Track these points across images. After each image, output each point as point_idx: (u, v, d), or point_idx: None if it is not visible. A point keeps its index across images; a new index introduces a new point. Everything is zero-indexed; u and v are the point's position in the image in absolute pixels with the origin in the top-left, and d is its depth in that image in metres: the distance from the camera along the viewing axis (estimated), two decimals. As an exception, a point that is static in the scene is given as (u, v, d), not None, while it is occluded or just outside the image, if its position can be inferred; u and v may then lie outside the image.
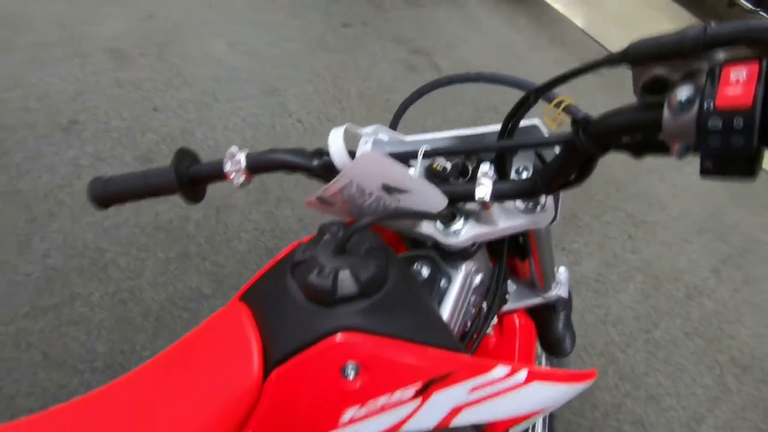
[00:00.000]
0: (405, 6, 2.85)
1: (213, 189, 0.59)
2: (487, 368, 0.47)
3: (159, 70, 2.00)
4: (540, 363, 0.93)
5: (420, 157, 0.48)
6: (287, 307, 0.44)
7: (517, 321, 0.76)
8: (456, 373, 0.46)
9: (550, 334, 0.79)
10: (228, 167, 0.52)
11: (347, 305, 0.42)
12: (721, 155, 0.30)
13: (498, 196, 0.48)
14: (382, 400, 0.44)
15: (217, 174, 0.53)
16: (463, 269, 0.55)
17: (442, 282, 0.56)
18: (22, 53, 1.89)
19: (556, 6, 3.26)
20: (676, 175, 2.30)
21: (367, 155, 0.45)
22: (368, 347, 0.42)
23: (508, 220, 0.51)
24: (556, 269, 0.71)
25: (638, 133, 0.37)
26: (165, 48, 2.11)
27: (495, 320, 0.64)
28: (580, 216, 2.02)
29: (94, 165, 1.65)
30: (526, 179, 0.47)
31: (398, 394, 0.44)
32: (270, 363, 0.42)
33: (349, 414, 0.43)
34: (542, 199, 0.51)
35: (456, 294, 0.55)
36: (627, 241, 1.98)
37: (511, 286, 0.69)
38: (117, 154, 1.70)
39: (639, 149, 0.40)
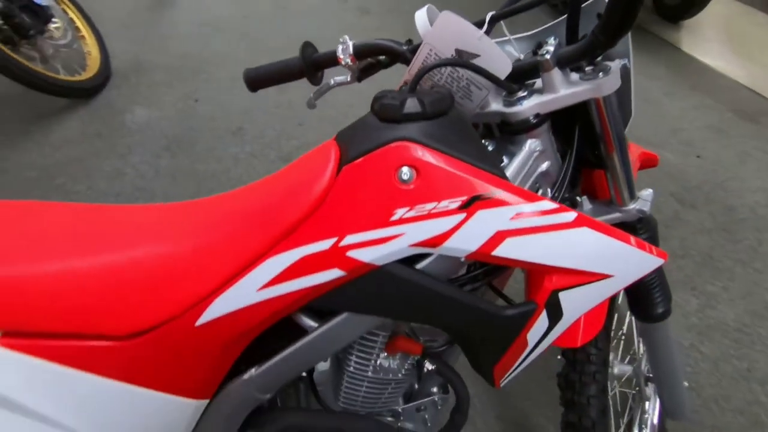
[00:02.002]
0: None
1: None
2: (532, 198, 0.50)
3: (308, 95, 2.43)
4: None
5: (487, 21, 0.57)
6: (363, 128, 0.54)
7: None
8: (501, 194, 0.49)
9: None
10: (339, 52, 0.67)
11: (411, 123, 0.51)
12: None
13: (560, 58, 0.53)
14: (430, 206, 0.49)
15: (332, 59, 0.68)
16: (527, 146, 0.59)
17: (504, 158, 0.60)
18: (218, 82, 2.51)
19: (705, 60, 3.06)
20: None
21: (444, 15, 0.55)
22: (424, 155, 0.49)
23: (571, 87, 0.55)
24: (642, 192, 0.68)
25: None
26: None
27: None
28: (719, 258, 1.74)
29: (248, 159, 2.05)
30: (587, 38, 0.51)
31: (445, 203, 0.49)
32: (342, 164, 0.52)
33: (398, 213, 0.50)
34: (608, 65, 0.54)
35: (515, 168, 0.59)
36: (786, 295, 1.62)
37: (587, 204, 0.68)
38: (266, 153, 2.09)
39: None
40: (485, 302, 0.55)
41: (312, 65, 0.69)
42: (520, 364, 0.62)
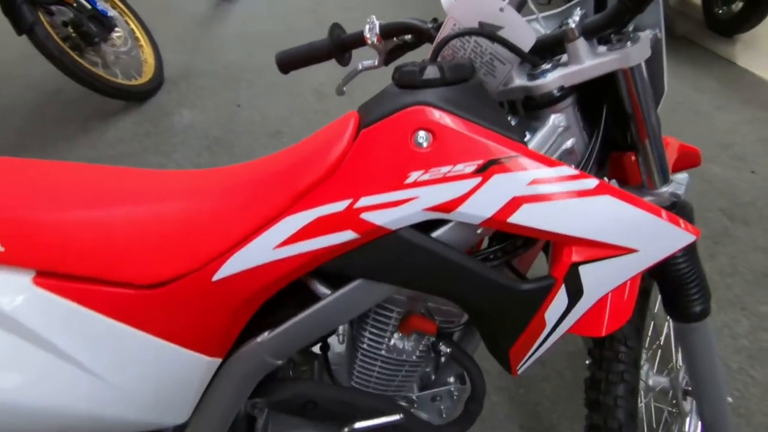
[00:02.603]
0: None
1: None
2: (551, 163, 0.48)
3: (346, 105, 2.50)
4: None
5: (512, -8, 0.57)
6: (382, 95, 0.54)
7: None
8: (518, 159, 0.48)
9: (669, 271, 0.68)
10: (366, 32, 0.68)
11: (429, 89, 0.51)
12: None
13: (586, 27, 0.52)
14: (445, 169, 0.49)
15: (359, 39, 0.70)
16: (550, 121, 0.58)
17: (527, 134, 0.59)
18: (259, 89, 2.62)
19: (761, 73, 2.89)
20: None
21: (466, -13, 0.55)
22: (441, 118, 0.49)
23: (597, 57, 0.53)
24: (677, 175, 0.64)
25: None
26: (354, 91, 2.64)
27: None
28: (775, 279, 1.61)
29: (283, 161, 2.12)
30: (613, 4, 0.50)
31: (460, 167, 0.49)
32: (360, 129, 0.53)
33: (413, 176, 0.50)
34: (637, 34, 0.52)
35: (537, 142, 0.57)
36: None
37: None
38: (300, 156, 2.15)
39: None
40: (501, 275, 0.54)
41: (340, 46, 0.71)
42: (537, 348, 0.59)
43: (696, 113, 2.47)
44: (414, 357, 0.69)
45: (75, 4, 2.17)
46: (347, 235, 0.51)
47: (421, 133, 0.49)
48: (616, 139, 0.63)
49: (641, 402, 0.87)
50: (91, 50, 2.25)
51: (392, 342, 0.67)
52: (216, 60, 2.90)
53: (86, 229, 0.51)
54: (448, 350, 0.68)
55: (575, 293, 0.52)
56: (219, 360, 0.58)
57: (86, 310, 0.51)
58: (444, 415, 0.79)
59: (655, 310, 0.99)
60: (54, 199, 0.52)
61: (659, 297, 0.84)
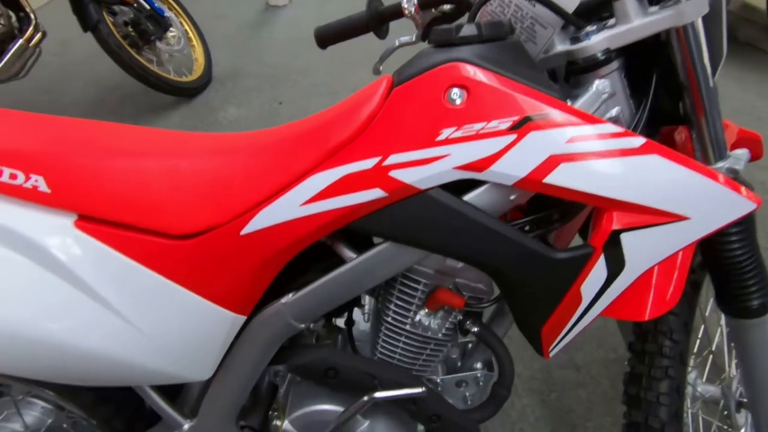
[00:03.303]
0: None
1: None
2: (592, 120, 0.45)
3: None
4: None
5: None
6: (417, 56, 0.54)
7: None
8: (556, 115, 0.46)
9: (723, 257, 0.62)
10: (404, 2, 0.68)
11: (465, 46, 0.50)
12: None
13: None
14: (478, 126, 0.47)
15: (396, 11, 0.69)
16: (594, 87, 0.55)
17: (568, 101, 0.56)
18: (302, 88, 2.69)
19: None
20: None
21: (507, -53, 0.54)
22: (476, 74, 0.48)
23: (647, 16, 0.50)
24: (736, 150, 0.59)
25: None
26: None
27: None
28: None
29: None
30: None
31: (495, 124, 0.47)
32: (392, 88, 0.52)
33: (445, 133, 0.48)
34: None
35: (579, 108, 0.54)
36: None
37: None
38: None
39: None
40: (535, 242, 0.51)
41: (377, 18, 0.71)
42: (572, 327, 0.55)
43: (759, 119, 2.30)
44: (440, 335, 0.66)
45: (135, 5, 2.32)
46: (375, 194, 0.50)
47: (455, 90, 0.48)
48: (667, 111, 0.59)
49: (687, 410, 0.80)
50: (147, 48, 2.40)
51: (418, 317, 0.65)
52: (262, 61, 3.00)
53: (126, 177, 0.53)
54: (476, 329, 0.65)
55: (615, 265, 0.49)
56: (243, 318, 0.58)
57: (121, 255, 0.53)
58: (469, 402, 0.75)
59: (707, 313, 0.92)
60: (98, 149, 0.54)
61: (711, 299, 0.78)
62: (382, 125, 0.51)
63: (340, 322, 0.78)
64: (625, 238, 0.47)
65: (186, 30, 2.71)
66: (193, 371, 0.59)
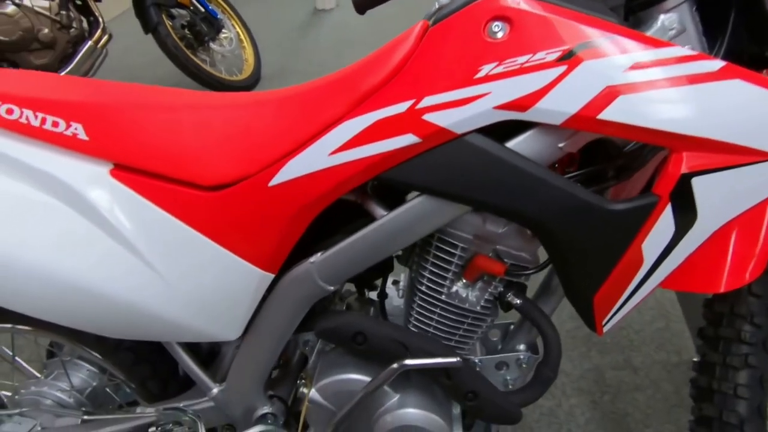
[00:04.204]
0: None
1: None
2: (657, 44, 0.39)
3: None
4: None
5: None
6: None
7: None
8: (614, 40, 0.40)
9: None
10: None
11: None
12: None
13: None
14: (522, 59, 0.43)
15: None
16: (659, 22, 0.48)
17: None
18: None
19: None
20: None
21: None
22: (518, 4, 0.43)
23: None
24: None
25: None
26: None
27: None
28: None
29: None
30: None
31: (541, 55, 0.42)
32: (428, 28, 0.48)
33: (485, 70, 0.44)
34: None
35: None
36: None
37: None
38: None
39: None
40: (587, 192, 0.45)
41: None
42: (630, 295, 0.49)
43: None
44: (478, 307, 0.61)
45: (191, 7, 2.45)
46: (407, 139, 0.47)
47: (496, 23, 0.44)
48: (749, 53, 0.51)
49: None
50: (201, 49, 2.52)
51: (454, 288, 0.61)
52: (309, 60, 3.07)
53: (160, 128, 0.53)
54: (519, 302, 0.60)
55: (685, 217, 0.42)
56: (271, 276, 0.57)
57: (154, 205, 0.53)
58: (510, 387, 0.69)
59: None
60: (135, 102, 0.55)
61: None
62: (416, 67, 0.47)
63: (374, 295, 0.75)
64: (697, 183, 0.40)
65: (237, 32, 2.82)
66: (220, 330, 0.58)
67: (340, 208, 0.62)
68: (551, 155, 0.47)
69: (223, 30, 2.64)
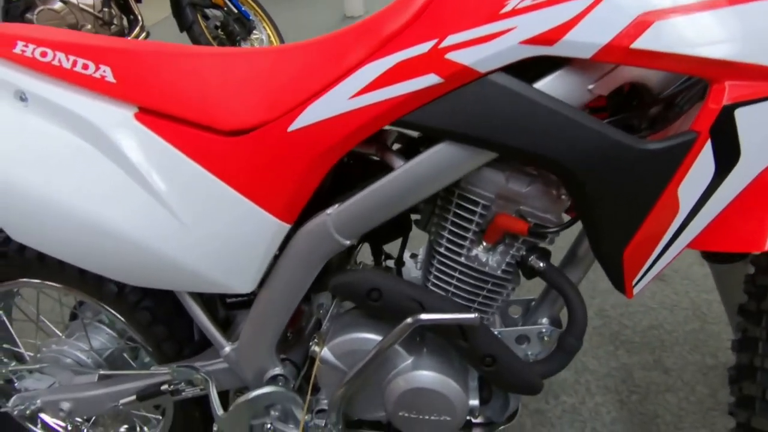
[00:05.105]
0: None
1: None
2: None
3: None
4: None
5: None
6: None
7: None
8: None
9: None
10: None
11: None
12: None
13: None
14: (552, -11, 0.41)
15: None
16: None
17: None
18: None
19: None
20: None
21: None
22: None
23: None
24: None
25: None
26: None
27: None
28: None
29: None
30: None
31: (571, -16, 0.40)
32: None
33: (511, 4, 0.43)
34: None
35: None
36: None
37: None
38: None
39: None
40: (619, 131, 0.42)
41: None
42: (663, 250, 0.45)
43: None
44: (499, 272, 0.59)
45: (225, 8, 2.54)
46: (429, 80, 0.46)
47: None
48: None
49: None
50: (233, 48, 2.60)
51: (474, 251, 0.59)
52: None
53: (184, 73, 0.54)
54: (542, 265, 0.57)
55: (727, 155, 0.39)
56: (287, 227, 0.56)
57: (175, 149, 0.54)
58: (531, 361, 0.66)
59: None
60: (161, 49, 0.56)
61: None
62: (439, 6, 0.46)
63: (391, 263, 0.73)
64: (741, 115, 0.37)
65: (268, 34, 2.90)
66: (234, 281, 0.58)
67: (360, 167, 0.62)
68: (580, 98, 0.45)
69: (255, 31, 2.71)
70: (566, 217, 0.56)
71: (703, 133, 0.39)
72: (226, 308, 0.72)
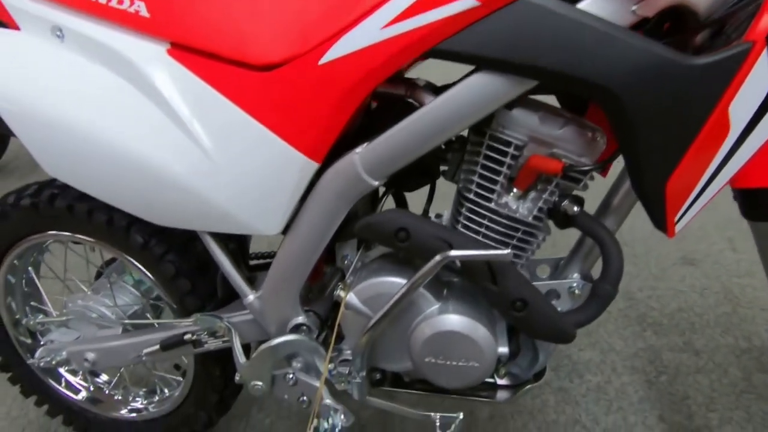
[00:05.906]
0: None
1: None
2: None
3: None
4: None
5: None
6: None
7: None
8: None
9: None
10: None
11: None
12: None
13: None
14: None
15: None
16: None
17: None
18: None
19: None
20: None
21: None
22: None
23: None
24: None
25: None
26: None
27: None
28: None
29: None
30: None
31: None
32: None
33: None
34: None
35: None
36: None
37: None
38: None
39: None
40: (665, 48, 0.41)
41: None
42: (708, 181, 0.43)
43: None
44: (530, 218, 0.57)
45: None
46: (466, 3, 0.45)
47: None
48: None
49: None
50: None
51: (504, 198, 0.57)
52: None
53: (216, 8, 0.54)
54: (576, 209, 0.55)
55: None
56: (315, 165, 0.55)
57: (206, 84, 0.54)
58: (561, 318, 0.64)
59: None
60: None
61: None
62: None
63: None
64: None
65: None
66: (261, 221, 0.57)
67: (389, 110, 0.61)
68: (623, 19, 0.43)
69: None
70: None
71: (758, 43, 0.37)
72: (248, 270, 0.72)
